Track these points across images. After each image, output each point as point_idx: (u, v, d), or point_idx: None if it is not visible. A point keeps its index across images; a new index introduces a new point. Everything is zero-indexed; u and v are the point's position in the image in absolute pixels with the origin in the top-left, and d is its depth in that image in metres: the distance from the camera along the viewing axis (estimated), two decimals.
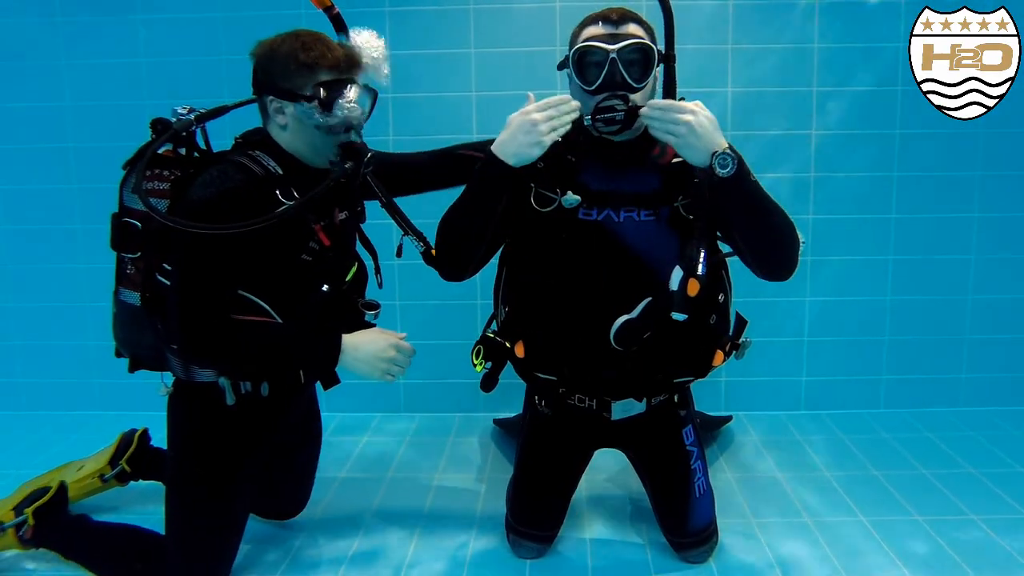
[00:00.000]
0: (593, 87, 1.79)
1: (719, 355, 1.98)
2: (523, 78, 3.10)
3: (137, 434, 2.42)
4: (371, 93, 1.86)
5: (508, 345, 1.97)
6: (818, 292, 3.23)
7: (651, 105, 1.72)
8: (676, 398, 2.10)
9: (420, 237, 1.99)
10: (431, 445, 3.03)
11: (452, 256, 1.88)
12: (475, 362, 1.97)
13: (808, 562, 2.11)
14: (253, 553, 2.20)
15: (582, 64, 1.81)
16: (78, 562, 2.02)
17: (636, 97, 1.79)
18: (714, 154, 1.65)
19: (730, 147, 1.67)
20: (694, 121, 1.65)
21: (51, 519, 2.08)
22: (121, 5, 3.14)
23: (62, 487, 2.16)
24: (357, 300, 2.02)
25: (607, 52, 1.75)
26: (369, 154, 1.84)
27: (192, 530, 1.86)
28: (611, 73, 1.76)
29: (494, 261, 2.06)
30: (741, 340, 2.06)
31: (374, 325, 2.02)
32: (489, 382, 1.99)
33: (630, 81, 1.77)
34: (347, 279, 1.95)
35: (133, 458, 2.38)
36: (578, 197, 1.83)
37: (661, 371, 1.95)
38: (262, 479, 2.11)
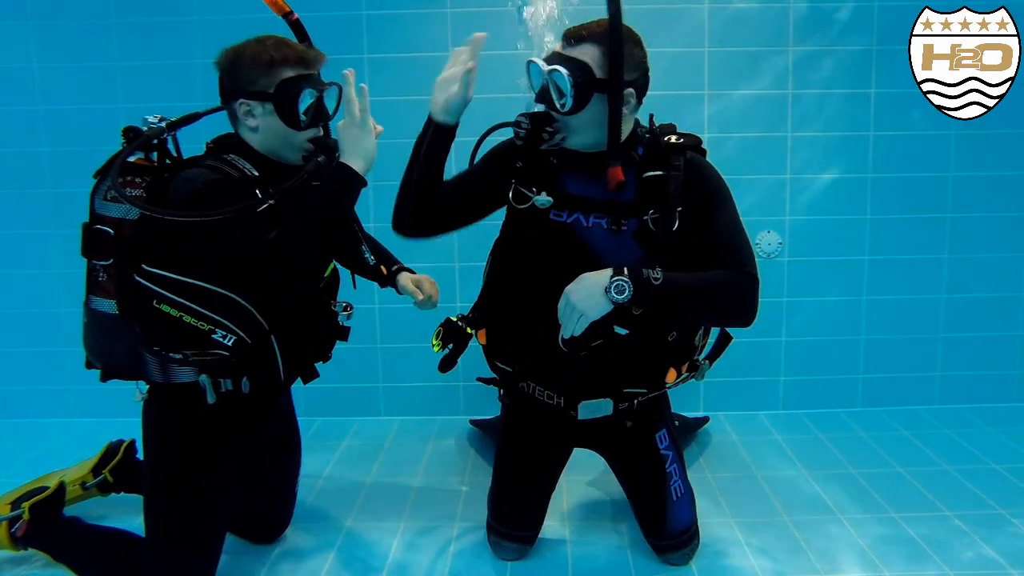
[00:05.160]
0: (534, 97, 1.86)
1: (672, 373, 1.99)
2: (500, 82, 3.10)
3: (124, 445, 2.39)
4: (336, 88, 1.90)
5: (469, 331, 2.06)
6: (795, 292, 3.26)
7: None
8: (636, 404, 2.06)
9: (371, 249, 2.11)
10: (411, 448, 3.02)
11: (399, 211, 1.93)
12: (434, 343, 2.07)
13: (788, 561, 2.13)
14: (233, 557, 2.18)
15: (527, 75, 1.87)
16: (67, 564, 2.00)
17: (570, 120, 1.81)
18: (606, 291, 1.70)
19: (617, 273, 1.71)
20: (570, 299, 1.72)
21: (46, 517, 2.06)
22: (94, 9, 3.11)
23: (61, 487, 2.14)
24: (330, 302, 2.06)
25: (540, 71, 1.80)
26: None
27: (172, 538, 1.84)
28: (542, 92, 1.81)
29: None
30: (702, 362, 2.07)
31: (348, 328, 2.10)
32: (446, 364, 2.07)
33: (556, 103, 1.79)
34: (325, 275, 2.01)
35: (117, 469, 2.35)
36: (550, 199, 1.86)
37: (609, 379, 1.96)
38: (241, 493, 2.10)
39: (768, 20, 3.10)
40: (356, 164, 1.73)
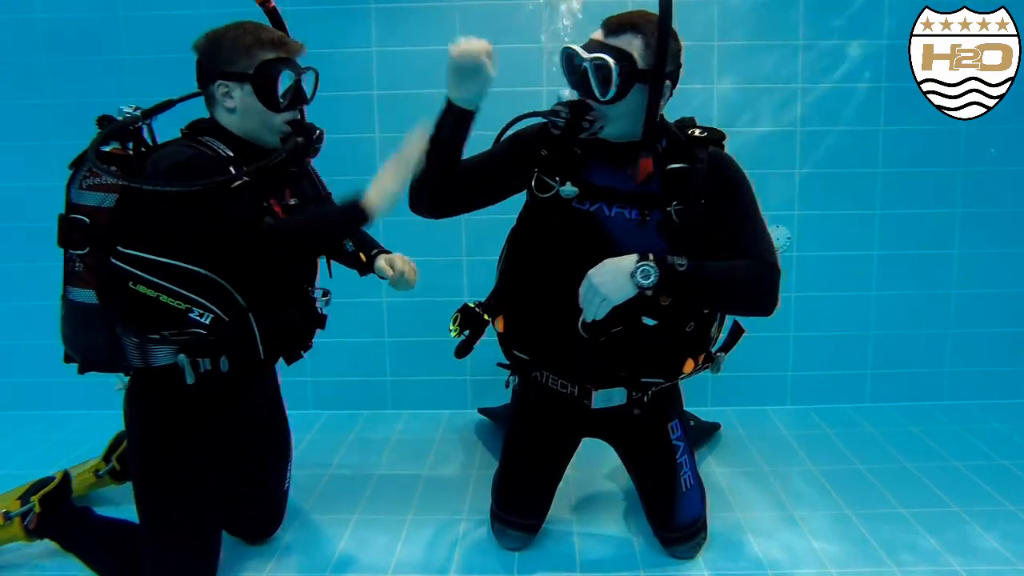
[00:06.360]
0: (570, 88, 1.84)
1: (689, 363, 2.00)
2: (509, 74, 3.08)
3: None
4: (313, 73, 1.94)
5: (487, 317, 2.06)
6: (804, 288, 3.25)
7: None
8: (649, 395, 2.08)
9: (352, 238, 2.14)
10: (418, 441, 3.02)
11: (414, 191, 1.93)
12: (451, 328, 2.06)
13: (795, 556, 2.13)
14: (240, 549, 2.20)
15: (563, 64, 1.85)
16: (76, 554, 2.02)
17: (608, 109, 1.79)
18: (631, 276, 1.69)
19: (643, 258, 1.71)
20: (593, 282, 1.72)
21: (56, 508, 2.08)
22: (103, 2, 3.12)
23: (66, 476, 2.16)
24: (307, 288, 2.06)
25: (582, 59, 1.78)
26: (319, 131, 1.93)
27: (159, 521, 1.85)
28: (582, 81, 1.79)
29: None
30: (718, 354, 2.08)
31: (326, 315, 2.10)
32: (463, 350, 2.07)
33: (596, 93, 1.77)
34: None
35: (124, 456, 2.37)
36: (576, 189, 1.86)
37: (627, 368, 1.97)
38: (230, 491, 2.09)
39: (777, 14, 3.09)
40: (372, 204, 1.78)
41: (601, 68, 1.75)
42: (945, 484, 2.53)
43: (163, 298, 1.71)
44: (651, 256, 1.71)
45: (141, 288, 1.71)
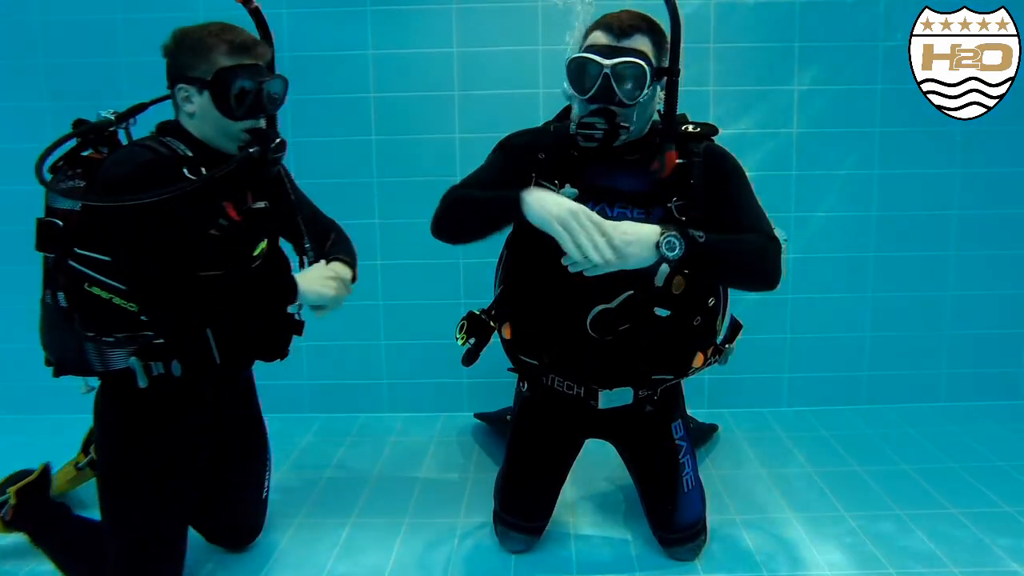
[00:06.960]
0: (586, 97, 1.81)
1: (699, 357, 2.00)
2: (505, 76, 3.10)
3: None
4: (280, 80, 1.90)
5: (493, 324, 2.05)
6: (800, 289, 3.25)
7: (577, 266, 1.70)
8: (659, 392, 2.09)
9: (314, 245, 2.07)
10: (415, 445, 3.02)
11: (447, 232, 1.98)
12: (458, 336, 2.04)
13: (792, 558, 2.13)
14: (236, 552, 2.19)
15: (577, 74, 1.82)
16: (44, 548, 2.01)
17: (628, 112, 1.80)
18: (656, 246, 1.67)
19: (666, 229, 1.68)
20: (615, 240, 1.65)
21: (33, 501, 2.08)
22: (102, 4, 3.11)
23: (46, 469, 2.16)
24: None
25: (601, 66, 1.76)
26: (278, 140, 1.89)
27: (119, 523, 1.84)
28: (603, 87, 1.78)
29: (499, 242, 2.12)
30: (726, 347, 2.08)
31: (303, 322, 2.07)
32: (470, 357, 2.05)
33: (621, 97, 1.77)
34: (255, 254, 1.97)
35: None
36: (576, 190, 1.85)
37: (637, 365, 1.96)
38: (200, 494, 2.06)
39: (774, 16, 3.09)
40: (303, 291, 1.87)
41: (632, 71, 1.75)
42: (942, 485, 2.53)
43: (116, 300, 1.70)
44: (673, 227, 1.69)
45: (95, 290, 1.70)
